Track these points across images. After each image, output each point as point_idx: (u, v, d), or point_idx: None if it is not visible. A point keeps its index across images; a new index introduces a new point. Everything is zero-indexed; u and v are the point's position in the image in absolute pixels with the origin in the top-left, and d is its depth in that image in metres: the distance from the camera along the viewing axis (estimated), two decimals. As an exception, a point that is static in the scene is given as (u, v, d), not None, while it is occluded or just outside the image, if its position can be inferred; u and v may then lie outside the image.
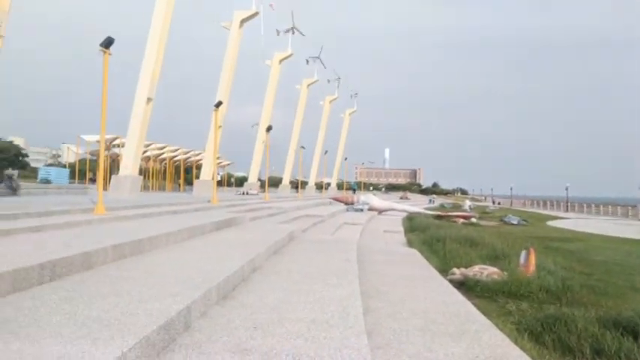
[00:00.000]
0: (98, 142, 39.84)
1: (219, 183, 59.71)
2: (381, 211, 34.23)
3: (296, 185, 58.32)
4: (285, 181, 52.31)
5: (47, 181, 25.98)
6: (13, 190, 18.70)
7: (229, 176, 74.99)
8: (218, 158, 50.85)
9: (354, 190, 62.38)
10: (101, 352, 3.09)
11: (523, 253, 11.86)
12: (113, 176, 20.86)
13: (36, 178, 34.87)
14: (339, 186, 76.38)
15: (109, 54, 11.32)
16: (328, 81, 60.08)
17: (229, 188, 60.13)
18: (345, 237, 14.78)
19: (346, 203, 34.02)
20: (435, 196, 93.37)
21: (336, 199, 35.70)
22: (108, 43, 11.11)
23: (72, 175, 38.71)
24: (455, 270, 11.31)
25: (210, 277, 5.56)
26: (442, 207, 59.05)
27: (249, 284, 6.45)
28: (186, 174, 55.67)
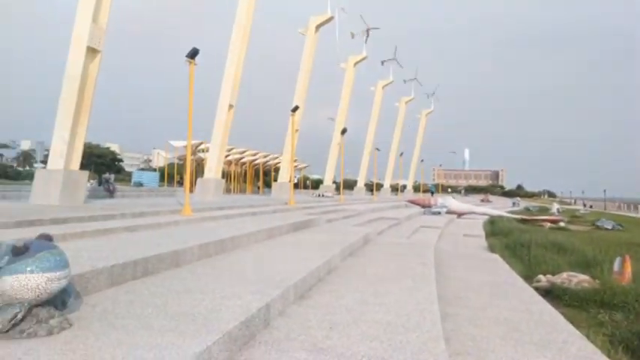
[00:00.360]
0: (185, 147, 42.31)
1: (296, 185, 60.97)
2: (460, 215, 33.16)
3: (371, 188, 58.09)
4: (360, 183, 52.26)
5: (140, 184, 28.05)
6: (110, 193, 20.36)
7: (305, 178, 76.35)
8: (295, 161, 52.02)
9: (432, 193, 60.90)
10: (187, 344, 3.28)
11: (617, 260, 10.96)
12: (198, 179, 22.08)
13: (130, 181, 37.73)
14: (416, 188, 74.93)
15: (195, 64, 12.01)
16: (404, 81, 59.29)
17: (305, 190, 61.20)
18: (422, 240, 14.50)
19: (423, 206, 33.32)
20: (519, 198, 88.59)
21: (413, 202, 35.07)
22: (193, 53, 11.80)
23: (161, 179, 41.43)
24: (541, 277, 10.69)
25: (288, 277, 5.71)
26: (527, 210, 55.90)
27: (325, 285, 6.54)
28: (265, 177, 57.51)
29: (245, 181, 51.43)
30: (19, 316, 3.22)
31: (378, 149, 42.52)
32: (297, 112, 29.72)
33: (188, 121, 12.18)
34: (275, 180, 38.33)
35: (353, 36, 43.70)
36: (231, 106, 21.62)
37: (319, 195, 37.65)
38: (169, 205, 13.16)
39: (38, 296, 3.30)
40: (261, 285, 5.30)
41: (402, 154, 53.16)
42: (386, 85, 53.10)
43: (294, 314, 4.95)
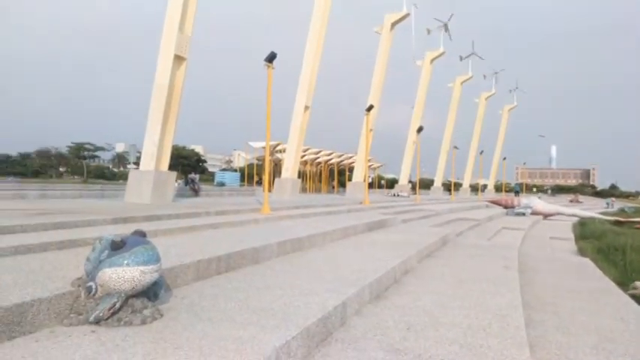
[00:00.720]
0: (264, 148, 43.66)
1: (370, 185, 60.65)
2: (546, 216, 31.27)
3: (449, 187, 56.40)
4: (437, 182, 50.91)
5: (222, 184, 29.38)
6: (195, 192, 21.49)
7: (380, 178, 75.74)
8: (369, 160, 51.80)
9: (517, 193, 57.89)
10: (268, 338, 3.40)
11: None
12: (276, 179, 22.70)
13: (213, 181, 39.59)
14: (497, 188, 71.66)
15: (273, 68, 12.37)
16: (484, 76, 56.94)
17: (380, 190, 60.69)
18: (505, 242, 13.87)
19: (505, 206, 31.81)
20: (613, 199, 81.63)
21: (494, 202, 33.58)
22: (271, 57, 12.16)
23: (242, 178, 43.07)
24: (637, 284, 9.81)
25: (363, 276, 5.72)
26: (622, 211, 51.45)
27: (402, 286, 6.47)
28: (339, 176, 57.87)
29: (320, 181, 52.12)
30: (117, 306, 3.52)
31: (456, 147, 41.15)
32: (372, 111, 29.60)
33: (266, 123, 12.58)
34: (349, 180, 38.41)
35: (429, 32, 42.72)
36: (306, 108, 22.01)
37: (394, 195, 37.18)
38: (249, 204, 13.67)
39: (133, 288, 3.58)
40: (337, 283, 5.35)
41: (482, 152, 51.05)
42: (465, 80, 51.31)
43: (370, 314, 4.95)
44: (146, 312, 3.66)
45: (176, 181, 22.79)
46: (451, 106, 50.64)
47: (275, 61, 12.58)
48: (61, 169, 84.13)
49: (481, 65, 55.94)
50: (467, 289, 6.36)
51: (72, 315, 3.50)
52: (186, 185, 22.91)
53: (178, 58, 13.35)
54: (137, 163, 20.54)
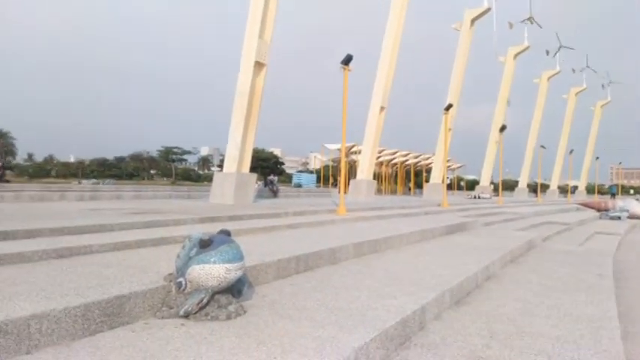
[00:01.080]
0: (339, 149, 43.94)
1: (449, 186, 58.78)
2: (645, 220, 28.56)
3: (534, 189, 53.26)
4: (522, 184, 48.23)
5: (299, 185, 30.00)
6: (274, 193, 22.12)
7: (459, 179, 73.30)
8: (448, 161, 50.26)
9: (613, 195, 53.36)
10: (347, 339, 3.43)
11: None
12: (351, 180, 22.77)
13: (290, 182, 40.52)
14: (589, 190, 66.57)
15: (349, 70, 12.44)
16: (573, 71, 53.06)
17: (459, 192, 58.75)
18: (597, 248, 12.86)
19: (598, 209, 29.48)
20: None
21: (586, 205, 31.26)
22: (347, 60, 12.23)
23: (318, 180, 43.69)
24: None
25: (443, 281, 5.58)
26: None
27: (484, 292, 6.23)
28: (416, 177, 56.79)
29: (396, 182, 51.47)
30: (205, 301, 3.72)
31: (543, 147, 38.70)
32: (451, 110, 28.74)
33: (342, 125, 12.66)
34: (426, 181, 37.55)
35: (511, 26, 40.59)
36: (382, 109, 21.85)
37: (475, 196, 35.75)
38: (325, 205, 13.83)
39: (219, 284, 3.77)
40: (415, 287, 5.27)
41: (571, 151, 47.54)
42: (552, 76, 48.10)
43: (450, 319, 4.83)
44: (231, 308, 3.84)
45: (256, 182, 23.57)
46: (537, 103, 47.70)
47: (351, 63, 12.65)
48: (152, 172, 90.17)
49: (570, 59, 52.33)
50: (555, 297, 5.99)
51: (164, 308, 3.76)
52: (265, 186, 23.64)
53: (259, 64, 13.83)
54: (220, 166, 21.52)
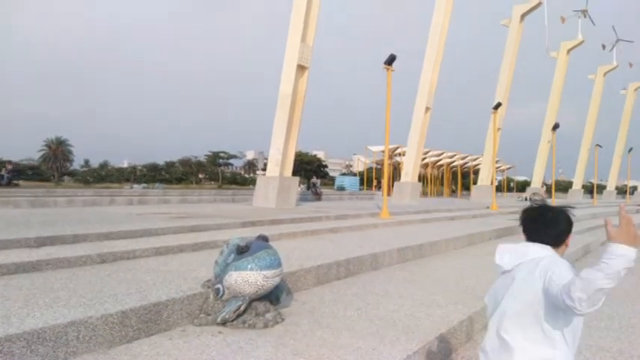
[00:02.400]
0: (383, 151, 43.46)
1: (498, 188, 56.81)
2: None
3: (590, 190, 50.59)
4: (577, 184, 45.91)
5: (342, 188, 29.79)
6: (318, 196, 22.06)
7: (509, 180, 70.74)
8: (497, 162, 48.60)
9: None
10: (388, 351, 3.25)
11: None
12: (395, 183, 22.34)
13: (333, 185, 40.38)
14: (651, 190, 62.63)
15: (392, 70, 12.19)
16: (630, 65, 49.99)
17: (509, 193, 56.62)
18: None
19: (662, 211, 27.61)
20: None
21: (647, 207, 29.39)
22: (391, 60, 11.99)
23: (361, 183, 43.34)
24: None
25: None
26: None
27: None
28: (463, 179, 55.33)
29: (442, 185, 50.29)
30: (242, 308, 3.64)
31: (599, 145, 36.59)
32: (500, 109, 27.75)
33: (385, 126, 12.41)
34: (474, 183, 36.43)
35: (564, 21, 38.75)
36: (427, 109, 21.33)
37: (526, 198, 34.29)
38: (369, 209, 13.58)
39: (257, 291, 3.68)
40: (462, 295, 5.00)
41: (630, 149, 44.76)
42: (608, 71, 45.53)
43: (501, 330, 4.53)
44: (268, 315, 3.74)
45: (299, 185, 23.56)
46: (592, 100, 45.31)
47: (395, 63, 12.39)
48: (200, 176, 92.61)
49: (628, 53, 49.41)
50: (616, 307, 5.56)
51: (201, 315, 3.71)
52: (308, 189, 23.63)
53: (301, 68, 13.80)
54: (264, 169, 21.71)
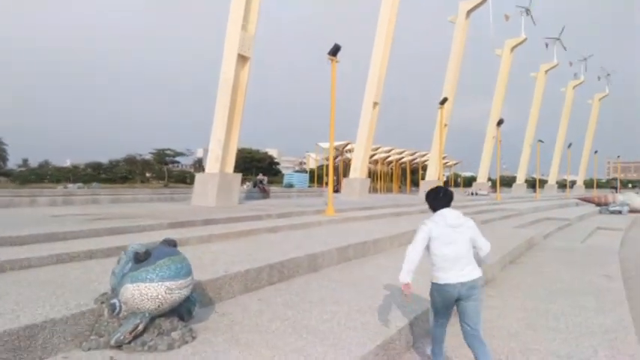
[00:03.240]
0: (334, 147, 43.23)
1: (446, 183, 58.14)
2: (646, 214, 28.02)
3: (532, 184, 52.70)
4: (520, 179, 47.63)
5: (291, 186, 29.24)
6: (265, 193, 21.42)
7: (456, 176, 72.64)
8: (444, 158, 49.59)
9: (616, 189, 52.83)
10: (311, 373, 2.79)
11: None
12: (344, 179, 22.09)
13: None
14: (587, 184, 66.14)
15: (337, 61, 11.78)
16: (570, 64, 52.44)
17: (457, 189, 58.15)
18: (601, 245, 12.27)
19: (598, 204, 28.93)
20: None
21: (585, 200, 30.70)
22: (335, 50, 11.56)
23: (312, 180, 42.97)
24: None
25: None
26: None
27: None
28: (412, 175, 56.14)
29: (391, 181, 50.77)
30: (140, 327, 3.07)
31: (541, 141, 38.02)
32: (447, 105, 28.11)
33: (330, 121, 12.01)
34: (423, 179, 36.91)
35: (507, 18, 39.93)
36: (375, 104, 21.16)
37: (472, 193, 35.16)
38: (315, 206, 13.18)
39: (159, 306, 3.11)
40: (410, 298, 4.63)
41: (570, 145, 46.93)
42: (549, 69, 47.46)
43: (443, 337, 4.19)
44: (175, 334, 3.19)
45: (244, 183, 22.85)
46: (535, 97, 47.09)
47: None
48: (147, 175, 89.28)
49: (568, 51, 51.68)
50: (562, 304, 5.37)
51: (92, 337, 3.11)
52: (254, 187, 22.93)
53: (242, 58, 13.12)
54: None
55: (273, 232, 8.15)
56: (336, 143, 41.01)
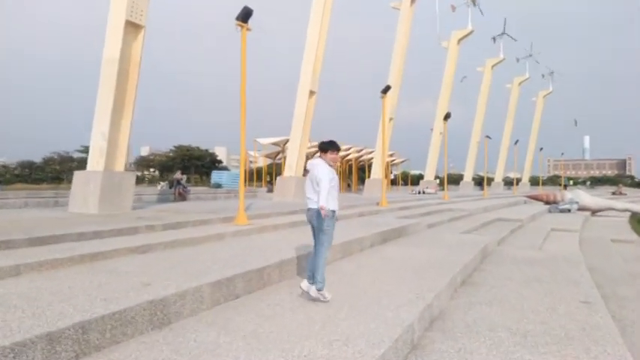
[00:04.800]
0: (274, 144, 40.92)
1: (393, 182, 57.26)
2: (594, 212, 27.73)
3: (479, 182, 52.70)
4: (467, 177, 47.29)
5: (218, 186, 26.67)
6: (181, 196, 18.88)
7: (405, 175, 72.29)
8: (391, 155, 48.52)
9: (566, 186, 53.87)
10: None
11: None
12: (277, 178, 19.89)
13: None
14: (532, 181, 67.52)
15: (248, 29, 9.61)
16: (517, 60, 52.80)
17: (404, 187, 57.39)
18: (562, 252, 10.86)
19: (547, 202, 28.42)
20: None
21: (533, 198, 30.19)
22: (245, 15, 9.37)
23: (252, 179, 40.55)
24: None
25: (356, 343, 2.94)
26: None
27: (425, 355, 3.68)
28: (360, 173, 54.81)
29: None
30: None
31: (488, 137, 37.44)
32: (392, 97, 26.54)
33: (241, 105, 9.75)
34: (369, 177, 35.42)
35: (454, 9, 39.16)
36: (312, 93, 19.09)
37: (419, 192, 33.92)
38: (230, 211, 11.00)
39: None
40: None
41: (517, 142, 46.98)
42: (496, 64, 47.26)
43: None
44: None
45: (157, 183, 20.17)
46: (481, 93, 46.82)
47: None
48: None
49: (514, 47, 52.06)
50: (540, 356, 3.53)
51: None
52: (170, 188, 20.40)
53: (132, 26, 10.58)
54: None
55: (139, 254, 5.91)
56: (278, 138, 38.80)
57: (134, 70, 10.73)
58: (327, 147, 4.94)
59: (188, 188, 19.73)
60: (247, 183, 39.33)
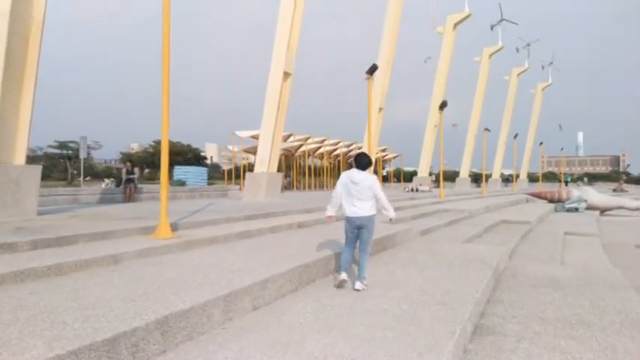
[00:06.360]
0: (253, 137, 38.44)
1: (385, 179, 54.98)
2: (603, 211, 25.75)
3: (475, 178, 50.69)
4: (464, 173, 45.18)
5: (182, 183, 24.18)
6: (129, 194, 16.53)
7: (398, 171, 70.08)
8: (383, 150, 46.26)
9: (567, 183, 52.10)
10: None
11: None
12: (247, 175, 17.56)
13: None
14: (531, 178, 65.71)
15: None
16: (517, 50, 50.71)
17: (397, 184, 55.19)
18: (590, 266, 8.72)
19: (551, 200, 26.43)
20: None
21: (536, 195, 28.21)
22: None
23: (230, 176, 38.17)
24: None
25: None
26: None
27: None
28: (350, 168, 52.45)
29: (323, 176, 46.79)
30: None
31: (487, 129, 35.25)
32: (382, 85, 24.31)
33: (163, 89, 7.29)
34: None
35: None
36: (286, 75, 16.75)
37: (412, 189, 31.61)
38: (169, 216, 8.70)
39: None
40: None
41: (516, 135, 44.93)
42: (494, 53, 45.14)
43: None
44: None
45: (102, 180, 17.97)
46: (479, 84, 44.66)
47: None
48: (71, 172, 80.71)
49: (513, 36, 49.92)
50: None
51: None
52: (118, 186, 18.05)
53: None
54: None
55: (20, 282, 3.62)
56: (258, 131, 36.42)
57: (36, 31, 8.33)
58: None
59: (136, 185, 17.23)
60: (227, 180, 37.00)
